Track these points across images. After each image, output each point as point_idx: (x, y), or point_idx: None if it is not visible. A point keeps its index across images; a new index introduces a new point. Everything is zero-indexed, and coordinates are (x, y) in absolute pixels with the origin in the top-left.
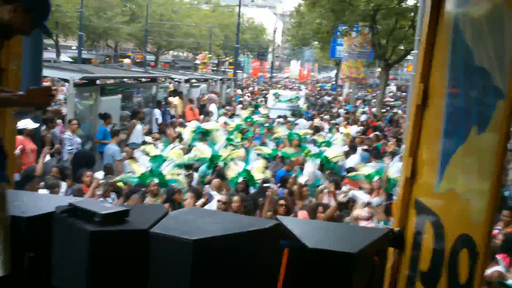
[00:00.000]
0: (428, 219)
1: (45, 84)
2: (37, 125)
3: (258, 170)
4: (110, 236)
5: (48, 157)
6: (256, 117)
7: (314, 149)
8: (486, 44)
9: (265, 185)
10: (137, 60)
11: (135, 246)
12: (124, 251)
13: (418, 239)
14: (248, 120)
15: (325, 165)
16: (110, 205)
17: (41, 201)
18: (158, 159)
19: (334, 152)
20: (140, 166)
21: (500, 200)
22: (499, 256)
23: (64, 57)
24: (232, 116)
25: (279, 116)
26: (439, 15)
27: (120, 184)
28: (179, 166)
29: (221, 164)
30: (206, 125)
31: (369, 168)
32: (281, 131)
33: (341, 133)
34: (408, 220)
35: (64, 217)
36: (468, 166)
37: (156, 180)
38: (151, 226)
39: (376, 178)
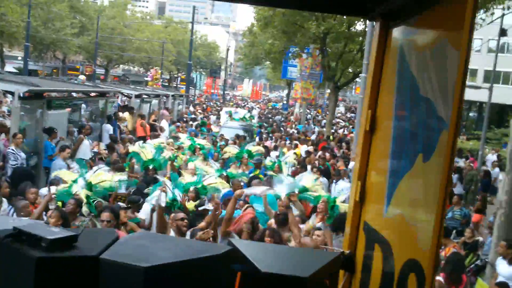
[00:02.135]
0: (377, 242)
1: None
2: None
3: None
4: (58, 263)
5: None
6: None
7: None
8: (430, 75)
9: (200, 208)
10: (86, 73)
11: (84, 273)
12: (72, 279)
13: (368, 262)
14: (194, 146)
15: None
16: (57, 230)
17: None
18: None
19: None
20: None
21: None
22: (438, 276)
23: (9, 67)
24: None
25: (237, 136)
26: (386, 44)
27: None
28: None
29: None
30: (154, 141)
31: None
32: (232, 150)
33: (294, 152)
34: (357, 243)
35: (8, 242)
36: (415, 193)
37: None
38: (101, 252)
39: (323, 200)
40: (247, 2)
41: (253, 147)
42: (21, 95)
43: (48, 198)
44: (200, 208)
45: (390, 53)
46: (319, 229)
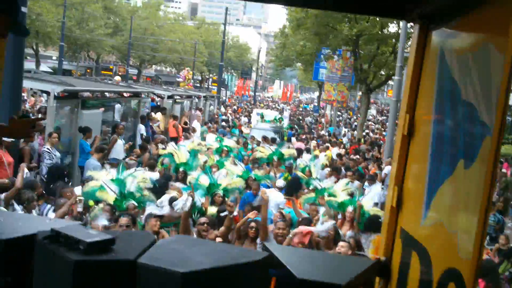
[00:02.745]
0: (415, 250)
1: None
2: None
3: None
4: (95, 266)
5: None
6: (227, 141)
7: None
8: (472, 79)
9: (222, 214)
10: (119, 73)
11: (121, 277)
12: (109, 282)
13: (404, 269)
14: (222, 148)
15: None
16: (95, 232)
17: (19, 222)
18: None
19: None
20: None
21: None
22: None
23: (43, 67)
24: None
25: (264, 138)
26: (426, 47)
27: (90, 202)
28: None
29: (220, 192)
30: (186, 145)
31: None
32: (265, 151)
33: (325, 155)
34: (394, 250)
35: (46, 243)
36: (456, 199)
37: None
38: (138, 256)
39: (350, 208)
40: (281, 2)
41: (285, 150)
42: (56, 94)
43: (72, 201)
44: (222, 214)
45: (430, 56)
46: (351, 237)
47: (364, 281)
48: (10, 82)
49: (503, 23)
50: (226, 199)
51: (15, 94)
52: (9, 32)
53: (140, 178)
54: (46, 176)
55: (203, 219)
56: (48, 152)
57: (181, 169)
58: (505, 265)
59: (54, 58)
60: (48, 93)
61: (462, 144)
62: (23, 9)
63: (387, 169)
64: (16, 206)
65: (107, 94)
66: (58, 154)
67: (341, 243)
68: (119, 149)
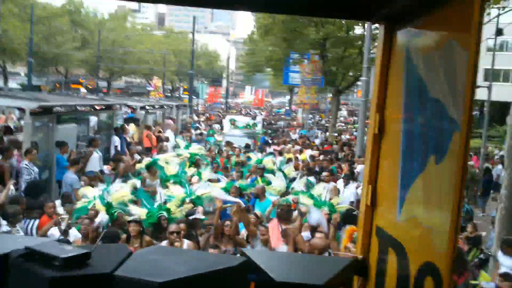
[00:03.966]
0: (391, 246)
1: None
2: None
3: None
4: (72, 282)
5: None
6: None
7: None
8: (439, 76)
9: (191, 217)
10: (89, 87)
11: None
12: None
13: (382, 266)
14: (195, 156)
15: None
16: (70, 248)
17: None
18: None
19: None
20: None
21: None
22: None
23: (12, 83)
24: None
25: (247, 146)
26: (392, 47)
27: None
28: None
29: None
30: (161, 157)
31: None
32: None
33: (296, 157)
34: (370, 248)
35: (21, 261)
36: (429, 195)
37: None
38: (115, 269)
39: (325, 210)
40: (248, 9)
41: (266, 159)
42: (31, 111)
43: (53, 223)
44: (191, 217)
45: (396, 55)
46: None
47: (343, 280)
48: None
49: (466, 20)
50: (200, 207)
51: None
52: None
53: (120, 195)
54: (24, 191)
55: (172, 227)
56: (26, 168)
57: (171, 181)
58: (474, 252)
59: (22, 74)
60: (22, 110)
61: (432, 140)
62: None
63: (359, 167)
64: (1, 221)
65: (80, 108)
66: (36, 169)
67: (317, 234)
68: (95, 162)
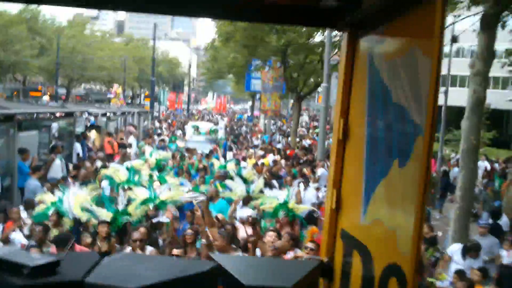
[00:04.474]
0: (356, 248)
1: None
2: None
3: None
4: None
5: None
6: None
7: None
8: (402, 82)
9: (154, 220)
10: (48, 94)
11: None
12: None
13: (347, 269)
14: (160, 161)
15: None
16: (38, 256)
17: None
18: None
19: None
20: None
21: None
22: None
23: None
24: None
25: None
26: (355, 54)
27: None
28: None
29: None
30: (133, 163)
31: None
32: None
33: (262, 162)
34: (335, 251)
35: None
36: (392, 198)
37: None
38: (85, 276)
39: (282, 213)
40: (211, 16)
41: (229, 164)
42: None
43: (16, 227)
44: (154, 220)
45: (360, 62)
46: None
47: (309, 283)
48: None
49: (428, 28)
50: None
51: None
52: None
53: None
54: None
55: (136, 235)
56: None
57: (126, 187)
58: (430, 251)
59: None
60: None
61: (396, 144)
62: None
63: (319, 171)
64: None
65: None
66: None
67: (269, 233)
68: (56, 168)
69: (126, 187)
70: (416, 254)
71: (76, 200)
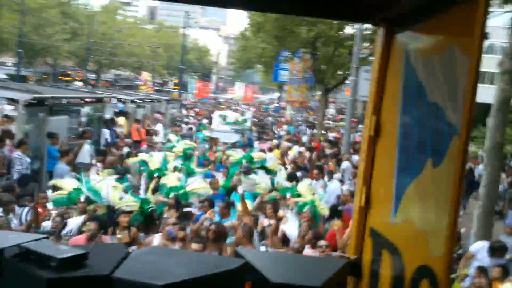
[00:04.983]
0: (385, 248)
1: None
2: None
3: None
4: (69, 284)
5: None
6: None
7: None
8: (438, 81)
9: (185, 209)
10: (78, 79)
11: None
12: None
13: (375, 267)
14: (187, 150)
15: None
16: (66, 248)
17: None
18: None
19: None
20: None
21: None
22: None
23: None
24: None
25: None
26: (390, 50)
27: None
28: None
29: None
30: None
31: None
32: (235, 155)
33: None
34: (364, 248)
35: (16, 261)
36: (425, 198)
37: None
38: (113, 270)
39: (307, 208)
40: (247, 8)
41: (255, 154)
42: (24, 102)
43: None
44: (185, 209)
45: (395, 58)
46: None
47: (338, 281)
48: None
49: (467, 26)
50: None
51: None
52: None
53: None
54: (17, 183)
55: (172, 220)
56: (19, 158)
57: (155, 175)
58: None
59: (8, 64)
60: (16, 101)
61: (430, 144)
62: None
63: (344, 164)
64: None
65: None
66: (28, 160)
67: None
68: (85, 153)
69: (155, 175)
70: (449, 257)
71: (114, 189)
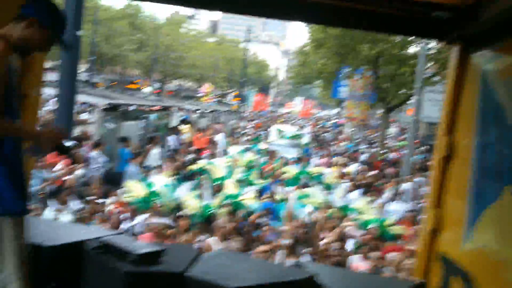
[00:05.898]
0: (455, 274)
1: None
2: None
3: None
4: (145, 277)
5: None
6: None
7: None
8: None
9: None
10: (143, 87)
11: None
12: None
13: None
14: (251, 162)
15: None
16: (143, 244)
17: (62, 230)
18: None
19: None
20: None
21: None
22: None
23: None
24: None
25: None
26: (465, 69)
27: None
28: None
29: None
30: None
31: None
32: (291, 170)
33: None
34: (430, 272)
35: (96, 254)
36: (503, 226)
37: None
38: (186, 269)
39: (371, 225)
40: (319, 22)
41: (313, 168)
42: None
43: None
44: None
45: (470, 78)
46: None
47: None
48: (64, 93)
49: None
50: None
51: (69, 108)
52: (52, 47)
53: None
54: (103, 179)
55: (225, 224)
56: (96, 157)
57: (216, 183)
58: None
59: (80, 71)
60: (94, 106)
61: (508, 169)
62: (78, 32)
63: (404, 186)
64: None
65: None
66: (104, 159)
67: None
68: (154, 157)
69: (219, 183)
70: None
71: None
